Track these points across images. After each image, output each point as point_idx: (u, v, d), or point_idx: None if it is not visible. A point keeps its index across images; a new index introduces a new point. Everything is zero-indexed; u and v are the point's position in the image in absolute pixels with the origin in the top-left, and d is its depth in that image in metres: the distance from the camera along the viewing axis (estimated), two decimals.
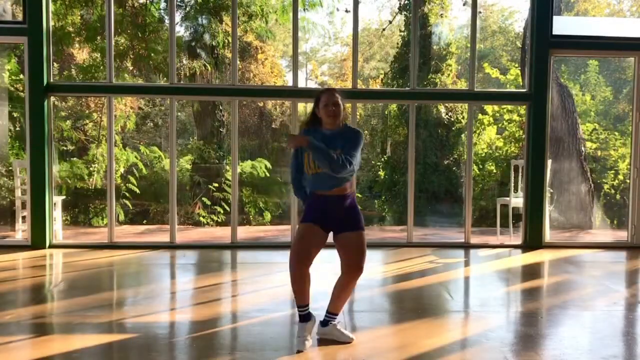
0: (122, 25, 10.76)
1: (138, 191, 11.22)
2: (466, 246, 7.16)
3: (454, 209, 12.28)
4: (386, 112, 14.04)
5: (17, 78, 10.11)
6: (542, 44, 7.02)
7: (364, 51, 20.82)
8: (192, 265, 6.23)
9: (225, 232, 8.09)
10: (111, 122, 7.03)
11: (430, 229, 10.08)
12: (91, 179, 11.02)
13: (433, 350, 3.49)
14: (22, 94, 9.41)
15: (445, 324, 4.09)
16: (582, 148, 10.45)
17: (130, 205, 11.36)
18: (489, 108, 11.75)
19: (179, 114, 15.13)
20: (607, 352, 3.48)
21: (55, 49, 9.37)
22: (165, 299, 4.81)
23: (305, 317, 3.53)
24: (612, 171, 11.59)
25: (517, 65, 12.92)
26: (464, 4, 11.93)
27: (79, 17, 10.63)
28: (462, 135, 12.50)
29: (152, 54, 10.83)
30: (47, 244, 6.76)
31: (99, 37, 10.32)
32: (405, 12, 12.99)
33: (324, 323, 3.63)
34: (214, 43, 12.52)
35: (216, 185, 11.72)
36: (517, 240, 7.40)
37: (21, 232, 7.21)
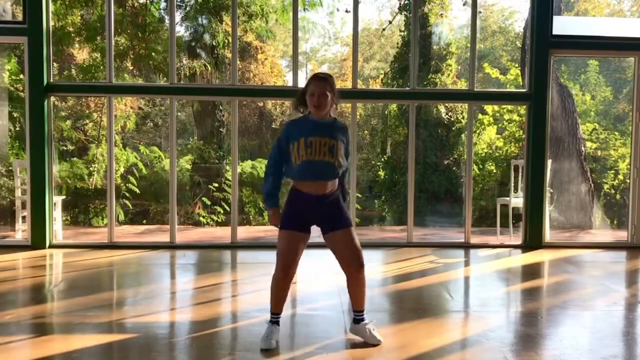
0: (122, 25, 10.76)
1: (138, 191, 11.23)
2: (466, 246, 7.16)
3: (454, 209, 12.28)
4: (386, 112, 14.04)
5: (17, 78, 10.11)
6: (542, 44, 7.02)
7: (364, 51, 20.82)
8: (192, 265, 6.23)
9: (225, 232, 8.09)
10: (111, 122, 7.03)
11: (430, 229, 10.09)
12: (91, 179, 11.02)
13: (433, 350, 3.48)
14: (22, 94, 9.41)
15: (445, 324, 4.09)
16: (582, 148, 10.45)
17: (130, 205, 11.36)
18: (489, 108, 11.76)
19: (179, 114, 15.14)
20: (607, 352, 3.48)
21: (55, 49, 9.37)
22: (165, 299, 4.81)
23: (277, 322, 3.53)
24: (612, 171, 11.60)
25: (517, 65, 12.92)
26: (464, 4, 11.94)
27: (79, 17, 10.63)
28: (462, 135, 12.50)
29: (152, 54, 10.82)
30: (47, 244, 6.76)
31: (99, 37, 10.32)
32: (405, 12, 13.00)
33: (356, 321, 3.58)
34: (214, 43, 12.52)
35: (216, 185, 11.72)
36: (517, 240, 7.40)
37: (21, 232, 7.21)
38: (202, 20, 12.53)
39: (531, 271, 6.05)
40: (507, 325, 4.09)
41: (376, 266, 6.07)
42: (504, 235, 7.92)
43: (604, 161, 11.96)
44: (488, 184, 11.81)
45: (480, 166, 11.81)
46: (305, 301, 4.76)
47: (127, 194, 11.17)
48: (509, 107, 11.31)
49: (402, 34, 13.41)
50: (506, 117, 11.59)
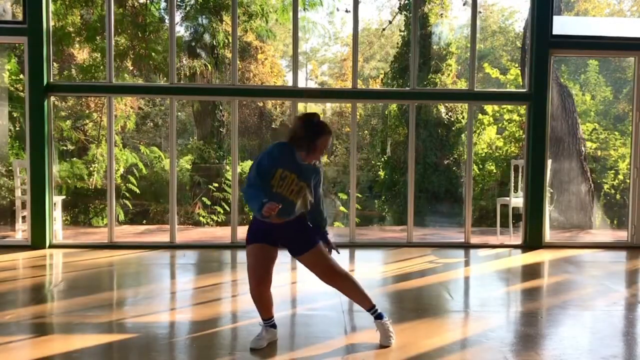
0: (122, 25, 10.76)
1: (138, 191, 11.23)
2: (466, 246, 7.16)
3: (454, 209, 12.27)
4: (386, 112, 14.03)
5: (17, 78, 10.11)
6: (542, 44, 7.01)
7: (364, 51, 20.82)
8: (192, 265, 6.23)
9: (225, 232, 8.09)
10: (111, 122, 7.03)
11: (430, 229, 10.08)
12: (91, 179, 11.02)
13: (433, 350, 3.48)
14: (22, 94, 9.41)
15: (445, 324, 4.09)
16: (582, 148, 10.45)
17: (130, 205, 11.36)
18: (489, 108, 11.76)
19: (179, 114, 15.14)
20: (607, 352, 3.48)
21: (55, 49, 9.37)
22: (165, 299, 4.81)
23: (272, 326, 3.55)
24: (612, 171, 11.60)
25: (517, 65, 12.92)
26: (464, 4, 11.94)
27: (79, 17, 10.63)
28: (462, 135, 12.50)
29: (152, 54, 10.82)
30: (47, 244, 6.76)
31: (99, 37, 10.31)
32: (405, 12, 12.99)
33: (376, 317, 3.55)
34: (214, 43, 12.52)
35: (216, 185, 11.72)
36: (517, 240, 7.40)
37: (21, 232, 7.21)
38: (202, 20, 12.53)
39: (531, 271, 6.05)
40: (507, 325, 4.09)
41: (376, 266, 6.07)
42: (504, 235, 7.92)
43: (604, 161, 11.95)
44: (488, 184, 11.80)
45: (480, 166, 11.81)
46: (305, 301, 4.77)
47: (127, 194, 11.17)
48: (509, 107, 11.31)
49: (402, 34, 13.40)
50: (506, 117, 11.58)
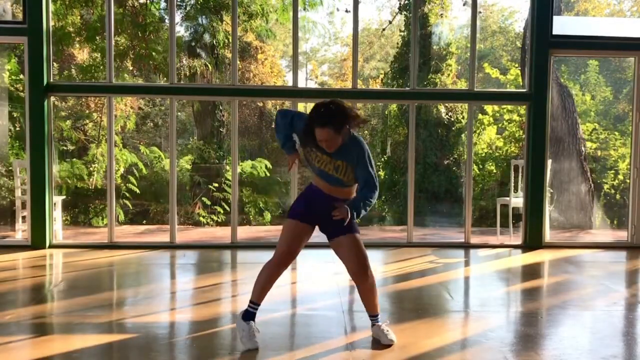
0: (122, 25, 10.76)
1: (138, 191, 11.23)
2: (466, 246, 7.16)
3: (454, 209, 12.27)
4: (386, 112, 14.04)
5: (17, 78, 10.11)
6: (542, 44, 7.01)
7: (364, 51, 20.82)
8: (192, 265, 6.23)
9: (225, 232, 8.09)
10: (111, 122, 7.03)
11: (430, 229, 10.08)
12: (91, 179, 11.02)
13: (433, 350, 3.48)
14: (22, 94, 9.41)
15: (445, 324, 4.09)
16: (582, 148, 10.45)
17: (130, 205, 11.36)
18: (489, 108, 11.76)
19: (179, 114, 15.13)
20: (607, 352, 3.48)
21: (55, 49, 9.37)
22: (165, 299, 4.81)
23: (253, 315, 3.48)
24: (612, 171, 11.60)
25: (517, 65, 12.92)
26: (464, 4, 11.94)
27: (79, 17, 10.63)
28: (462, 135, 12.50)
29: (152, 54, 10.82)
30: (47, 244, 6.76)
31: (99, 37, 10.31)
32: (405, 12, 12.99)
33: (372, 325, 3.59)
34: (214, 42, 12.52)
35: (216, 185, 11.72)
36: (517, 240, 7.40)
37: (21, 232, 7.21)
38: (202, 20, 12.52)
39: (531, 271, 6.05)
40: (507, 325, 4.09)
41: (376, 266, 6.05)
42: (504, 235, 7.92)
43: (604, 161, 11.95)
44: (488, 184, 11.80)
45: (480, 166, 11.81)
46: (305, 301, 4.77)
47: (127, 194, 11.17)
48: (509, 107, 11.31)
49: (402, 34, 13.40)
50: (506, 117, 11.58)
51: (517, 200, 7.58)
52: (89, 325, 3.93)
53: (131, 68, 11.96)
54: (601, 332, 3.90)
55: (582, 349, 3.55)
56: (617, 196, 11.30)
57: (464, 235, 7.29)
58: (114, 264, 6.09)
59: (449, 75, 12.93)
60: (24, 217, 7.15)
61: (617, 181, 11.43)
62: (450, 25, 13.24)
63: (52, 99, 6.93)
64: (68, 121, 11.54)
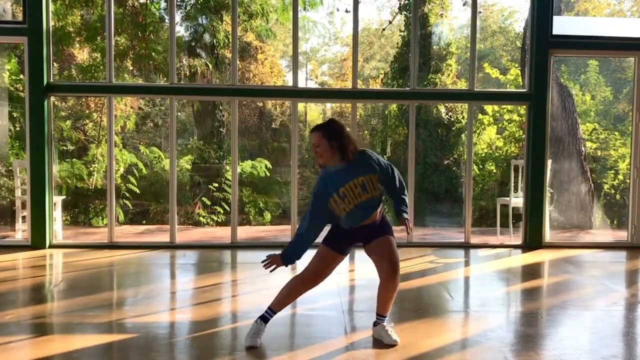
0: (122, 25, 10.76)
1: (138, 191, 11.23)
2: (466, 246, 7.16)
3: (454, 209, 12.28)
4: (386, 112, 14.04)
5: (17, 78, 10.11)
6: (542, 44, 7.02)
7: (364, 51, 20.81)
8: (192, 265, 6.23)
9: (225, 232, 8.09)
10: (111, 122, 7.03)
11: (430, 229, 10.08)
12: (91, 179, 11.02)
13: (433, 350, 3.49)
14: (22, 94, 9.41)
15: (445, 324, 4.09)
16: (582, 148, 10.45)
17: (130, 205, 11.36)
18: (489, 108, 11.76)
19: (179, 114, 15.14)
20: (607, 352, 3.48)
21: (55, 49, 9.37)
22: (165, 299, 4.81)
23: (267, 320, 3.56)
24: (612, 171, 11.60)
25: (517, 65, 12.92)
26: (464, 4, 11.95)
27: (79, 17, 10.63)
28: (462, 135, 12.50)
29: (152, 54, 10.82)
30: (47, 244, 6.76)
31: (99, 37, 10.32)
32: (405, 12, 12.99)
33: (375, 323, 3.64)
34: (214, 42, 12.52)
35: (216, 185, 11.72)
36: (517, 240, 7.40)
37: (21, 232, 7.21)
38: (202, 20, 12.52)
39: (531, 271, 6.05)
40: (507, 325, 4.09)
41: None
42: (504, 235, 7.92)
43: (604, 161, 11.95)
44: (488, 184, 11.81)
45: (480, 166, 11.81)
46: (305, 301, 4.76)
47: (127, 194, 11.17)
48: (509, 107, 11.31)
49: (402, 34, 13.41)
50: (506, 117, 11.58)
51: (517, 200, 7.58)
52: (89, 325, 3.93)
53: (131, 68, 11.96)
54: (601, 332, 3.90)
55: (582, 349, 3.55)
56: (617, 196, 11.31)
57: (464, 235, 7.29)
58: (114, 264, 6.09)
59: (449, 75, 12.93)
60: (24, 217, 7.15)
61: (617, 181, 11.43)
62: (450, 25, 13.25)
63: (52, 99, 6.94)
64: (68, 121, 11.55)
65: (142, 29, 10.79)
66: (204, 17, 12.42)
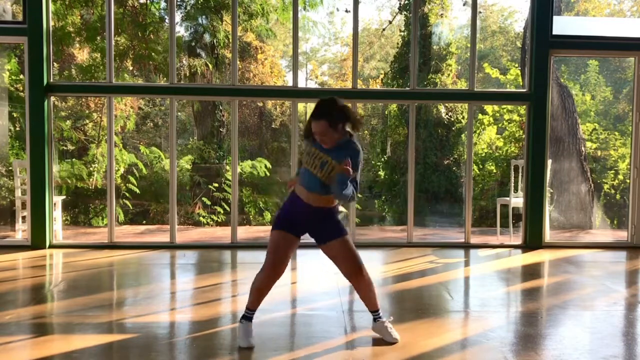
0: (122, 25, 10.76)
1: (138, 191, 11.23)
2: (466, 246, 7.16)
3: (454, 209, 12.28)
4: (386, 112, 14.04)
5: (17, 78, 10.11)
6: (542, 44, 7.02)
7: (364, 51, 20.81)
8: (192, 265, 6.23)
9: (225, 232, 8.09)
10: (111, 122, 7.03)
11: (430, 229, 10.08)
12: (91, 179, 11.02)
13: (433, 350, 3.49)
14: (22, 94, 9.41)
15: (445, 324, 4.09)
16: (582, 148, 10.45)
17: (130, 205, 11.36)
18: (489, 108, 11.76)
19: (179, 114, 15.14)
20: (607, 352, 3.48)
21: (55, 49, 9.37)
22: (165, 299, 4.81)
23: (250, 318, 3.55)
24: (612, 171, 11.60)
25: (517, 65, 12.92)
26: (464, 4, 11.97)
27: (79, 17, 10.63)
28: (462, 135, 12.50)
29: (152, 54, 10.82)
30: (47, 244, 6.76)
31: (99, 37, 10.31)
32: (405, 12, 13.00)
33: (374, 320, 3.63)
34: (214, 42, 12.52)
35: (216, 185, 11.72)
36: (517, 240, 7.40)
37: (21, 232, 7.21)
38: (202, 20, 12.52)
39: (531, 271, 6.05)
40: (507, 325, 4.09)
41: (376, 266, 6.07)
42: (504, 235, 7.92)
43: (604, 161, 11.96)
44: (488, 184, 11.80)
45: (480, 166, 11.81)
46: (305, 301, 4.77)
47: (127, 194, 11.17)
48: (509, 107, 11.31)
49: (402, 34, 13.41)
50: (506, 117, 11.58)
51: (517, 200, 7.58)
52: (89, 325, 3.93)
53: (131, 68, 11.96)
54: (601, 332, 3.90)
55: (582, 349, 3.55)
56: (617, 196, 11.31)
57: (464, 235, 7.29)
58: (114, 264, 6.09)
59: (449, 75, 12.93)
60: (24, 217, 7.15)
61: (617, 181, 11.43)
62: (450, 25, 13.25)
63: (52, 99, 6.93)
64: (68, 121, 11.55)
65: (142, 29, 10.79)
66: (204, 17, 12.42)
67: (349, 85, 8.41)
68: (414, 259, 6.37)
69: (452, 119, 12.68)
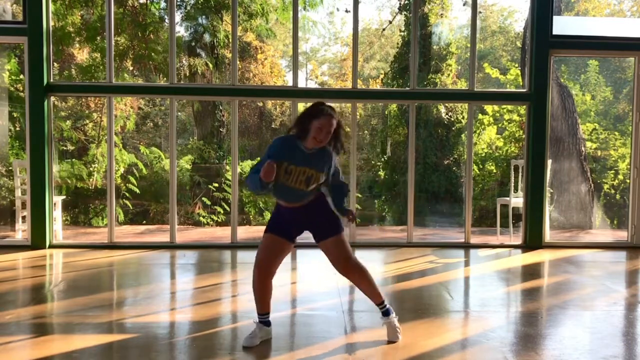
0: (122, 25, 10.76)
1: (138, 191, 11.23)
2: (466, 246, 7.16)
3: (454, 209, 12.28)
4: (386, 112, 14.04)
5: (17, 78, 10.11)
6: (542, 44, 7.02)
7: (364, 51, 20.81)
8: (192, 265, 6.23)
9: (225, 232, 8.09)
10: (111, 122, 7.03)
11: (430, 229, 10.08)
12: (91, 179, 11.02)
13: (433, 350, 3.49)
14: (22, 94, 9.41)
15: (445, 324, 4.09)
16: (582, 148, 10.46)
17: (130, 205, 11.36)
18: (489, 108, 11.76)
19: (179, 114, 15.14)
20: (607, 352, 3.48)
21: (55, 49, 9.37)
22: (165, 299, 4.81)
23: (266, 323, 3.59)
24: (612, 171, 11.60)
25: (517, 65, 12.92)
26: (464, 4, 11.96)
27: (79, 17, 10.63)
28: (462, 135, 12.50)
29: (152, 54, 10.82)
30: (47, 244, 6.76)
31: (99, 37, 10.31)
32: (405, 12, 12.99)
33: (382, 314, 3.62)
34: (214, 42, 12.52)
35: (216, 185, 11.72)
36: (517, 240, 7.40)
37: (21, 232, 7.21)
38: (202, 20, 12.52)
39: (531, 271, 6.05)
40: (507, 325, 4.09)
41: (376, 266, 6.07)
42: (504, 235, 7.92)
43: (604, 161, 11.96)
44: (488, 184, 11.80)
45: (480, 166, 11.81)
46: (305, 301, 4.77)
47: (127, 194, 11.17)
48: (509, 107, 11.31)
49: (402, 34, 13.40)
50: (506, 117, 11.58)
51: (517, 200, 7.58)
52: (89, 325, 3.93)
53: (131, 68, 11.96)
54: (601, 332, 3.90)
55: (582, 349, 3.55)
56: (617, 196, 11.31)
57: (464, 235, 7.29)
58: (114, 264, 6.09)
59: (449, 75, 12.93)
60: (24, 217, 7.15)
61: (617, 181, 11.43)
62: (450, 25, 13.25)
63: (52, 99, 6.94)
64: (68, 121, 11.55)
65: (142, 29, 10.79)
66: (204, 17, 12.42)
67: (349, 85, 8.41)
68: (414, 259, 6.37)
69: (452, 119, 12.68)
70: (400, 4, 13.31)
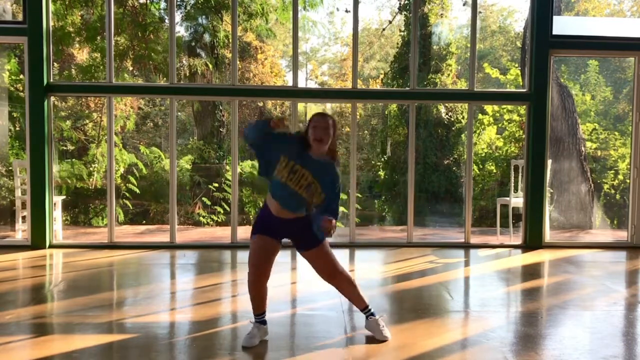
0: (122, 25, 10.76)
1: (138, 191, 11.23)
2: (466, 246, 7.16)
3: (454, 209, 12.28)
4: (386, 112, 14.04)
5: (17, 78, 10.11)
6: (542, 44, 7.02)
7: (364, 51, 20.81)
8: (192, 265, 6.23)
9: (225, 232, 8.09)
10: (111, 122, 7.03)
11: (430, 229, 10.08)
12: (91, 179, 11.02)
13: (433, 350, 3.48)
14: (22, 94, 9.41)
15: (445, 324, 4.09)
16: (582, 148, 10.46)
17: (130, 205, 11.36)
18: (489, 108, 11.76)
19: (179, 114, 15.14)
20: (607, 352, 3.48)
21: (55, 49, 9.37)
22: (165, 299, 4.81)
23: (263, 322, 3.61)
24: (612, 171, 11.60)
25: (517, 65, 12.92)
26: (464, 4, 11.96)
27: (79, 17, 10.63)
28: (462, 135, 12.50)
29: (152, 54, 10.82)
30: (47, 244, 6.76)
31: (99, 37, 10.31)
32: (405, 12, 13.00)
33: (366, 318, 3.67)
34: (214, 42, 12.52)
35: (216, 185, 11.72)
36: (517, 240, 7.40)
37: (21, 232, 7.21)
38: (202, 20, 12.52)
39: (531, 271, 6.05)
40: (507, 325, 4.09)
41: (376, 266, 6.07)
42: (504, 235, 7.92)
43: (604, 161, 11.96)
44: (488, 184, 11.81)
45: (480, 166, 11.81)
46: (305, 301, 4.77)
47: (127, 194, 11.17)
48: (509, 107, 11.31)
49: (402, 34, 13.41)
50: (506, 117, 11.59)
51: (517, 200, 7.58)
52: (89, 325, 3.93)
53: (131, 68, 11.96)
54: (601, 332, 3.90)
55: (582, 349, 3.55)
56: (617, 196, 11.31)
57: (464, 235, 7.29)
58: (114, 264, 6.09)
59: (449, 75, 12.93)
60: (24, 217, 7.15)
61: (617, 181, 11.43)
62: (450, 25, 13.25)
63: (52, 99, 6.93)
64: (68, 121, 11.55)
65: (142, 29, 10.79)
66: (204, 17, 12.42)
67: (349, 85, 8.41)
68: (414, 259, 6.37)
69: (452, 119, 12.68)
70: (400, 4, 13.32)
